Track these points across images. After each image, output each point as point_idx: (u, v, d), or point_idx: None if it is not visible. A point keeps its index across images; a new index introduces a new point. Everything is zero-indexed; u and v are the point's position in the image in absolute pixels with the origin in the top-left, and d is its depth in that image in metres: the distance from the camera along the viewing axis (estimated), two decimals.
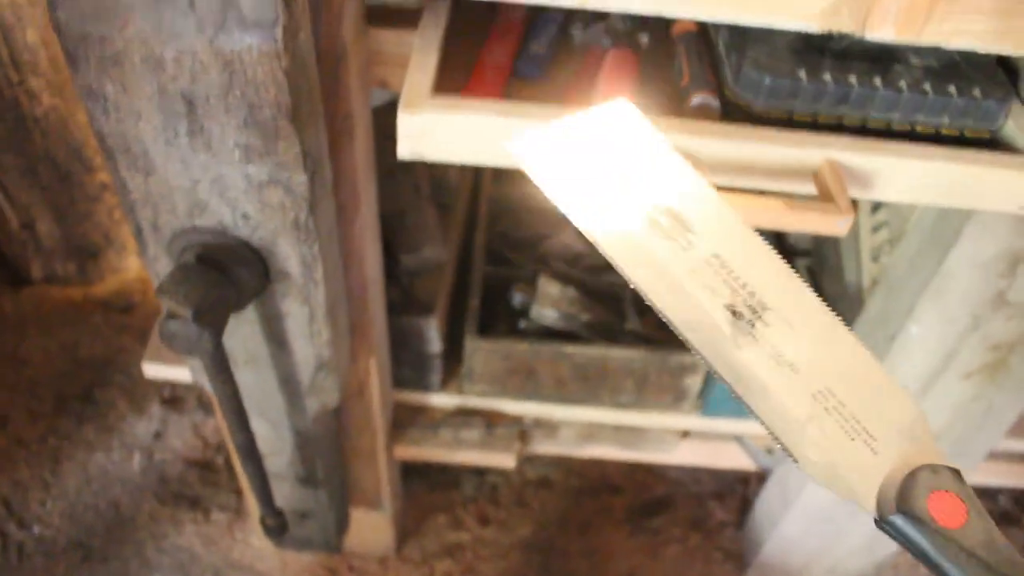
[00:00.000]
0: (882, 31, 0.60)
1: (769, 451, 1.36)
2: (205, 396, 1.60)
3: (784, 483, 1.33)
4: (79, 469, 1.52)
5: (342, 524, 1.25)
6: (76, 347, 1.68)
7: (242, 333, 0.84)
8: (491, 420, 1.30)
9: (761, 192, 0.66)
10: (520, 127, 0.61)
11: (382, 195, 0.96)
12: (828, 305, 0.47)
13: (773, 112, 0.68)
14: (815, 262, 1.36)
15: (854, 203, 0.69)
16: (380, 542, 1.43)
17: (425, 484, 1.55)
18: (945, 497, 0.42)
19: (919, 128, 0.69)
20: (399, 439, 1.28)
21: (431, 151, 0.66)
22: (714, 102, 0.69)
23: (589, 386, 1.24)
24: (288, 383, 0.91)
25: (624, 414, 1.29)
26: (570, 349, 1.19)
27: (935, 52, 0.69)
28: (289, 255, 0.75)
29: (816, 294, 0.47)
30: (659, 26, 0.78)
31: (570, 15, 0.79)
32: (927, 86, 0.67)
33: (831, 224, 0.64)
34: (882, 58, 0.68)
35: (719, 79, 0.71)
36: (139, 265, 1.79)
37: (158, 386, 1.63)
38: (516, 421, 1.30)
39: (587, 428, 1.33)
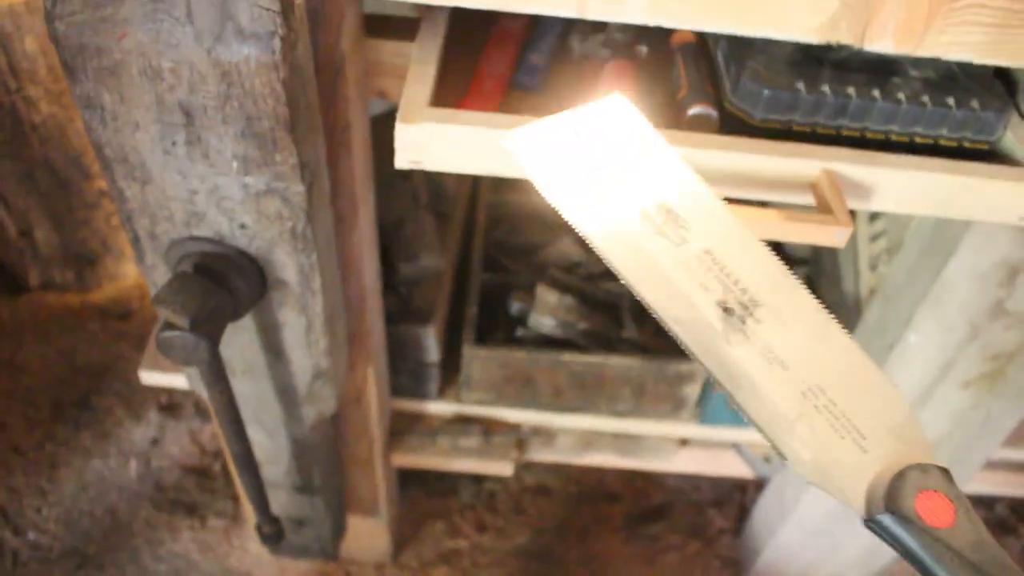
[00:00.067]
0: (881, 43, 0.60)
1: (767, 459, 1.36)
2: (202, 403, 1.59)
3: (781, 492, 1.33)
4: (76, 476, 1.51)
5: (339, 531, 1.25)
6: (73, 354, 1.68)
7: (239, 342, 0.84)
8: (489, 428, 1.29)
9: (759, 203, 0.66)
10: None
11: (380, 204, 0.96)
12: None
13: (771, 123, 0.68)
14: (813, 271, 1.36)
15: (852, 214, 0.69)
16: (377, 549, 1.42)
17: (422, 491, 1.55)
18: (933, 497, 0.42)
19: (918, 140, 0.69)
20: (396, 447, 1.28)
21: (429, 161, 0.66)
22: (712, 113, 0.69)
23: (587, 394, 1.24)
24: (285, 392, 0.91)
25: (622, 422, 1.29)
26: (568, 357, 1.19)
27: (933, 64, 0.69)
28: (287, 265, 0.75)
29: (809, 292, 0.47)
30: (658, 37, 0.78)
31: (569, 26, 0.79)
32: (925, 98, 0.67)
33: (829, 236, 0.63)
34: (881, 70, 0.68)
35: (718, 90, 0.71)
36: (136, 272, 1.79)
37: (155, 393, 1.62)
38: (514, 429, 1.30)
39: (585, 436, 1.33)
